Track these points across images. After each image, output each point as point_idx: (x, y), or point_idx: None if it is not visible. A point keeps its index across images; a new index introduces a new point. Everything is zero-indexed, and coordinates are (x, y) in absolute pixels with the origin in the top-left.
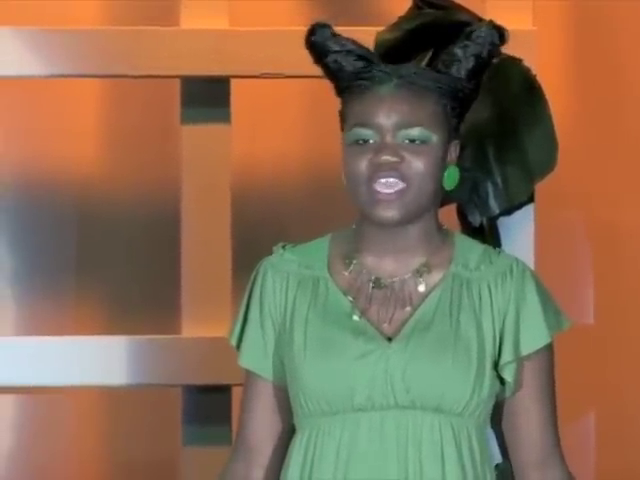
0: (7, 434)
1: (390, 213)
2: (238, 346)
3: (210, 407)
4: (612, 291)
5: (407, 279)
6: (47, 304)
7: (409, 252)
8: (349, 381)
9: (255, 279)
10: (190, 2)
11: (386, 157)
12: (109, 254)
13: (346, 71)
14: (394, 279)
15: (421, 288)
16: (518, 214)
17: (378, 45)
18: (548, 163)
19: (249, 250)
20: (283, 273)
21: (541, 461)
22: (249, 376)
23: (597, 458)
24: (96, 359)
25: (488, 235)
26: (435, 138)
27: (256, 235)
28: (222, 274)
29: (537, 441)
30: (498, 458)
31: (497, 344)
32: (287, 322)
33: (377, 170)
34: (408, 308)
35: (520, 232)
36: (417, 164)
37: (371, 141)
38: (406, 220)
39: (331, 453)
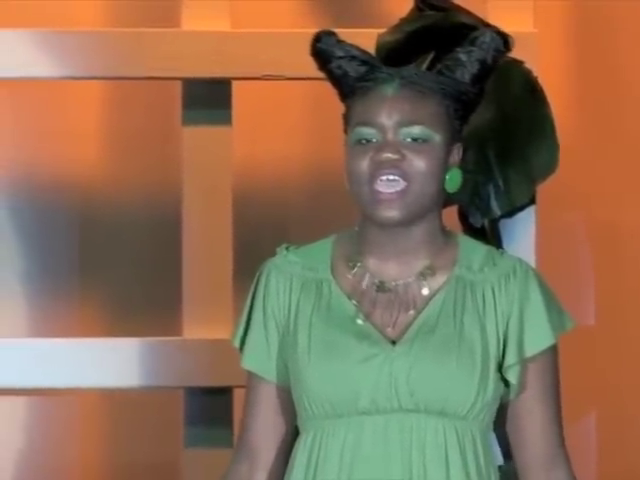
0: (11, 435)
1: (391, 213)
2: (241, 348)
3: (212, 409)
4: (613, 292)
5: (411, 282)
6: (50, 306)
7: (412, 254)
8: (353, 384)
9: (258, 281)
10: (191, 3)
11: (387, 154)
12: (111, 256)
13: (350, 76)
14: (398, 282)
15: (425, 291)
16: (519, 216)
17: (379, 47)
18: (549, 165)
19: (250, 252)
20: (287, 275)
21: (545, 463)
22: (252, 378)
23: (598, 459)
24: (98, 361)
25: (490, 237)
26: (437, 138)
27: (257, 237)
28: (223, 276)
29: (541, 443)
30: (499, 460)
31: (501, 346)
32: (291, 324)
33: (378, 168)
34: (412, 311)
35: (521, 234)
36: (418, 162)
37: (373, 140)
38: (407, 220)
39: (335, 455)
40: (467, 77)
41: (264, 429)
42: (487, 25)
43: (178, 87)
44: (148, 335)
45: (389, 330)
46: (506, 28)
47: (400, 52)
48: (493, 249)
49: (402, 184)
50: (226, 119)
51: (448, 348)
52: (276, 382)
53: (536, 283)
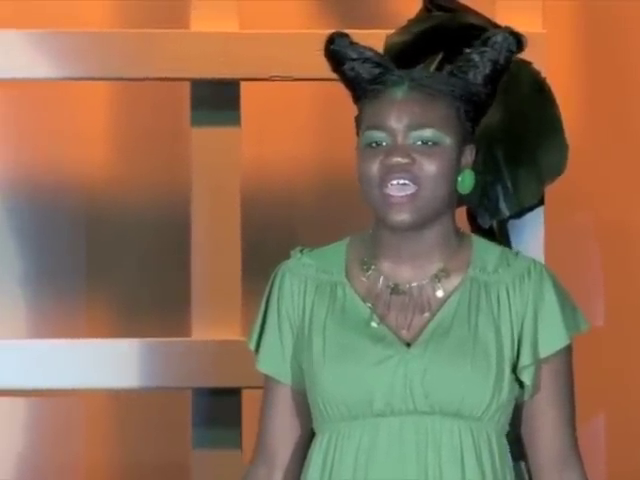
0: (17, 436)
1: (402, 217)
2: (257, 351)
3: (220, 410)
4: (622, 293)
5: (425, 285)
6: (57, 307)
7: (426, 257)
8: (368, 386)
9: (273, 283)
10: (200, 4)
11: (397, 159)
12: (119, 257)
13: (362, 78)
14: (412, 285)
15: (439, 294)
16: (528, 217)
17: (387, 48)
18: (558, 165)
19: (259, 253)
20: (301, 277)
21: (558, 463)
22: (268, 381)
23: (607, 460)
24: (106, 362)
25: (498, 238)
26: (448, 140)
27: (266, 238)
28: (232, 277)
29: (555, 444)
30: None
31: (516, 347)
32: (305, 327)
33: (388, 172)
34: (427, 314)
35: (530, 234)
36: (429, 166)
37: (384, 143)
38: (419, 224)
39: (350, 457)
40: (479, 78)
41: (281, 431)
42: (495, 25)
43: (186, 88)
44: (156, 336)
45: (404, 332)
46: (515, 29)
47: (408, 53)
48: (507, 250)
49: (412, 188)
50: (234, 120)
51: (463, 350)
52: (291, 384)
53: (550, 284)
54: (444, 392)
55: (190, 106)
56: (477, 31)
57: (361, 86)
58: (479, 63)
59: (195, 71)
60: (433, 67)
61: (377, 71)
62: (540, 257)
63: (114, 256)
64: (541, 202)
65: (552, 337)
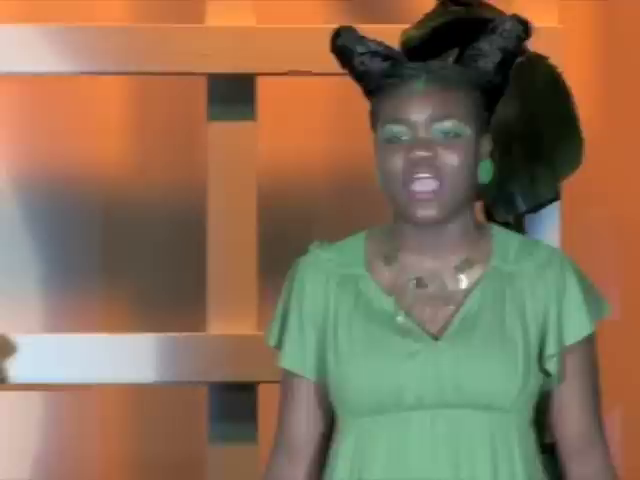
0: (34, 431)
1: (428, 212)
2: (277, 347)
3: (236, 405)
4: (639, 287)
5: (449, 276)
6: (74, 302)
7: (449, 249)
8: (398, 380)
9: (293, 279)
10: None
11: (420, 152)
12: (135, 252)
13: (373, 72)
14: (435, 277)
15: (463, 285)
16: (544, 211)
17: (404, 43)
18: (574, 160)
19: (275, 248)
20: (322, 272)
21: (583, 451)
22: (289, 377)
23: (623, 455)
24: (122, 357)
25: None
26: (468, 131)
27: (282, 232)
28: (248, 272)
29: (581, 430)
30: None
31: (540, 336)
32: (329, 322)
33: (412, 167)
34: (452, 306)
35: (546, 229)
36: (452, 158)
37: (404, 138)
38: (445, 218)
39: (381, 452)
40: (490, 66)
41: (305, 426)
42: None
43: (203, 82)
44: (172, 331)
45: (430, 326)
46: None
47: (424, 48)
48: (527, 239)
49: (436, 182)
50: (251, 114)
51: (491, 342)
52: (314, 380)
53: (572, 272)
54: (475, 385)
55: (206, 100)
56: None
57: (374, 80)
58: (489, 52)
59: (211, 65)
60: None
61: (387, 64)
62: None
63: (130, 251)
64: (557, 197)
65: (576, 325)
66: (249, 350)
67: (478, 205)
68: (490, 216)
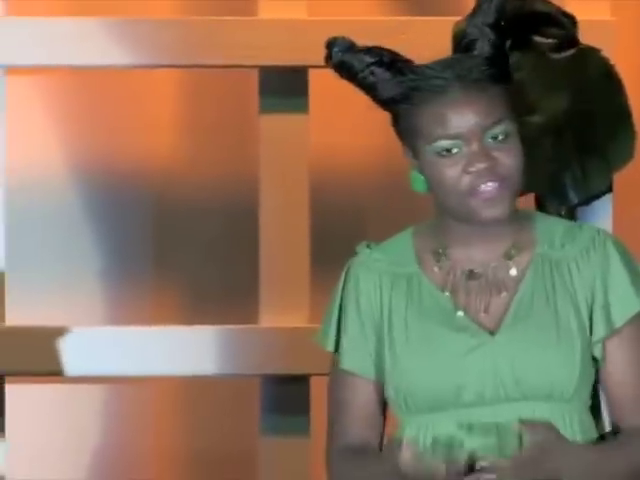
0: (91, 422)
1: (495, 213)
2: (336, 350)
3: (288, 397)
4: None
5: (498, 265)
6: (127, 295)
7: (496, 238)
8: (457, 377)
9: (347, 280)
10: None
11: (482, 165)
12: (188, 245)
13: (386, 82)
14: (486, 267)
15: (513, 272)
16: (596, 204)
17: (456, 36)
18: (627, 153)
19: (327, 240)
20: (374, 273)
21: (635, 411)
22: (347, 377)
23: None
24: (175, 349)
25: None
26: (513, 128)
27: (334, 224)
28: (300, 264)
29: (634, 413)
30: None
31: (590, 320)
32: (385, 322)
33: (476, 180)
34: (504, 294)
35: (598, 222)
36: (510, 160)
37: (455, 150)
38: (508, 215)
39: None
40: (487, 47)
41: (370, 421)
42: (563, 13)
43: (255, 75)
44: (225, 323)
45: (483, 316)
46: (583, 16)
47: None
48: (571, 223)
49: (499, 183)
50: (303, 107)
51: (547, 331)
52: (374, 379)
53: (615, 251)
54: (534, 377)
55: (258, 93)
56: (543, 18)
57: (390, 90)
58: (478, 34)
59: (263, 58)
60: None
61: (393, 72)
62: None
63: (183, 245)
64: (610, 189)
65: (624, 306)
66: (301, 342)
67: (531, 198)
68: (542, 208)
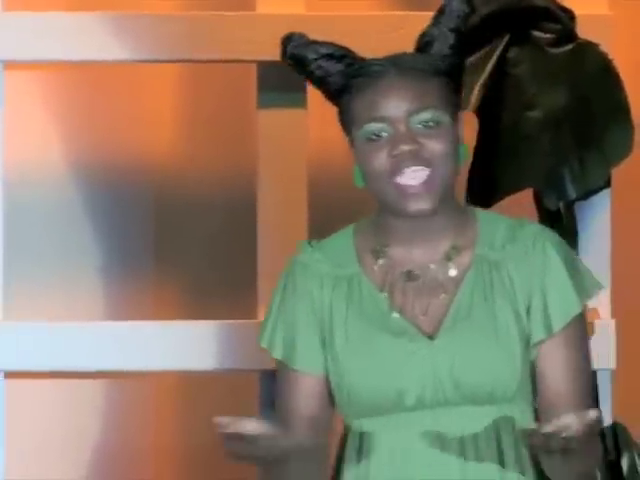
0: (91, 417)
1: (422, 205)
2: (269, 348)
3: None
4: None
5: (437, 265)
6: (126, 290)
7: (437, 237)
8: (397, 382)
9: (287, 280)
10: None
11: (405, 147)
12: (186, 240)
13: (335, 74)
14: (425, 268)
15: (452, 272)
16: (595, 198)
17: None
18: (625, 147)
19: (325, 235)
20: (316, 274)
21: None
22: (288, 370)
23: None
24: (174, 344)
25: (565, 220)
26: (446, 118)
27: (332, 219)
28: None
29: (561, 393)
30: None
31: (529, 321)
32: (326, 323)
33: (399, 162)
34: (443, 295)
35: (596, 216)
36: (436, 146)
37: (384, 134)
38: (436, 209)
39: (385, 454)
40: (446, 49)
41: (306, 412)
42: (560, 7)
43: (253, 70)
44: (223, 318)
45: (423, 319)
46: (581, 11)
47: (476, 35)
48: (513, 222)
49: (426, 172)
50: (301, 102)
51: (486, 334)
52: (324, 375)
53: (554, 251)
54: (475, 378)
55: (257, 88)
56: (541, 12)
57: (337, 82)
58: (440, 35)
59: (262, 53)
60: (500, 48)
61: (344, 64)
62: (607, 239)
63: (181, 239)
64: (608, 184)
65: (563, 308)
66: None
67: (529, 193)
68: (541, 203)
